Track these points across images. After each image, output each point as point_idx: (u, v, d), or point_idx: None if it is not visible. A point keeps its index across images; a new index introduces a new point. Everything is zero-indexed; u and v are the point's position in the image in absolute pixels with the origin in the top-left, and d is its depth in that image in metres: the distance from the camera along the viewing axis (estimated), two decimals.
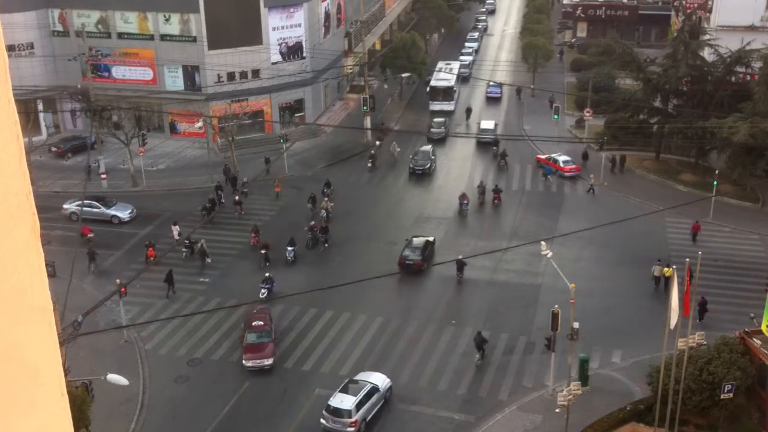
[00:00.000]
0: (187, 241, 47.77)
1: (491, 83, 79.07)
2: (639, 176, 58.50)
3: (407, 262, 45.48)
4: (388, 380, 35.43)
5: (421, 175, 58.74)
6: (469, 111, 72.80)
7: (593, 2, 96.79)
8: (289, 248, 46.20)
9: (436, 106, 73.36)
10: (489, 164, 62.34)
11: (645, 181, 58.28)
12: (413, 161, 59.28)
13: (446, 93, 73.62)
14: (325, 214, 50.79)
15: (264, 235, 48.52)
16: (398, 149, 62.44)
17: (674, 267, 30.28)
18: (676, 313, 28.22)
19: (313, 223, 48.76)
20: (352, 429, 32.58)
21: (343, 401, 33.04)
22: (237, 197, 52.87)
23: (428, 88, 74.65)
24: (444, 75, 75.68)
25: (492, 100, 77.71)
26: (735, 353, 32.47)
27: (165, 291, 43.69)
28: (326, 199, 52.30)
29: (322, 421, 33.09)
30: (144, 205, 54.41)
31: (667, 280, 40.96)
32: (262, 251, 46.27)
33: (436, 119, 68.45)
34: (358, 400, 33.01)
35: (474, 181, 59.14)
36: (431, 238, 47.99)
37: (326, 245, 48.33)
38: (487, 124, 67.53)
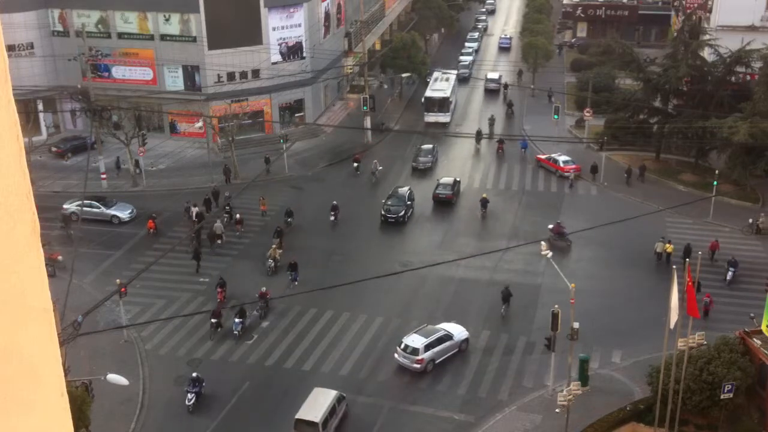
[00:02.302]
0: (227, 207, 52.02)
1: (502, 36, 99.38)
2: (639, 176, 58.39)
3: (440, 196, 54.75)
4: (466, 333, 38.49)
5: (394, 224, 51.21)
6: (492, 121, 67.88)
7: (593, 2, 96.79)
8: (237, 320, 39.46)
9: (431, 117, 69.98)
10: (497, 113, 72.23)
11: (645, 181, 58.21)
12: (385, 207, 51.69)
13: (442, 104, 70.06)
14: (272, 264, 45.09)
15: (235, 273, 45.26)
16: (380, 168, 58.89)
17: (675, 267, 30.28)
18: (676, 313, 28.23)
19: (264, 289, 41.42)
20: (418, 365, 36.40)
21: (414, 341, 36.78)
22: (238, 215, 50.63)
23: (423, 99, 71.46)
24: (440, 85, 72.37)
25: (503, 49, 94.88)
26: (735, 353, 32.49)
27: (194, 268, 45.98)
28: (274, 246, 45.99)
29: (395, 355, 37.06)
30: (144, 205, 54.39)
31: (669, 256, 45.48)
32: (213, 320, 39.83)
33: (424, 146, 62.16)
34: (427, 342, 36.65)
35: (474, 181, 59.25)
36: (458, 178, 56.88)
37: (296, 283, 43.87)
38: (494, 74, 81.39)
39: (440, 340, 37.33)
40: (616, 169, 59.13)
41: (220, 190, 54.75)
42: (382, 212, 51.24)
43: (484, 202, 52.94)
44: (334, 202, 51.73)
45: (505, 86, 77.92)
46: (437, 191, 55.10)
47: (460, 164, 62.67)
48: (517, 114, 73.18)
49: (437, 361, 37.03)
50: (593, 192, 56.82)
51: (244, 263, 46.99)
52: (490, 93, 79.29)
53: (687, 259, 32.93)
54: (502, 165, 61.74)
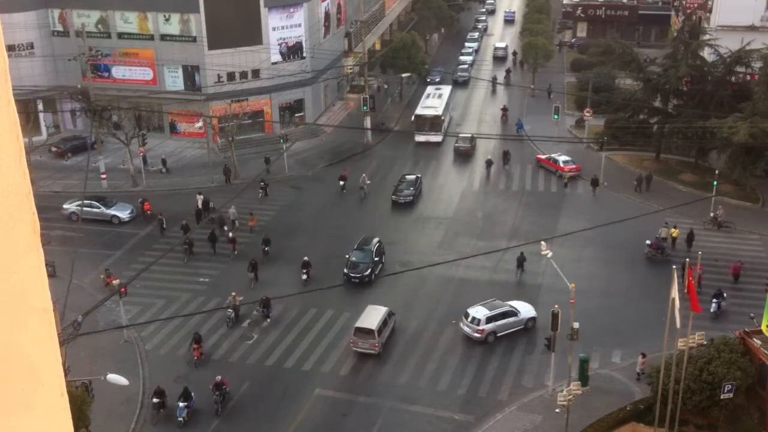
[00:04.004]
0: (262, 182, 55.01)
1: (507, 10, 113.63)
2: (646, 185, 58.16)
3: (460, 149, 62.61)
4: (533, 312, 39.92)
5: (359, 285, 44.37)
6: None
7: (593, 2, 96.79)
8: (182, 404, 33.82)
9: (421, 137, 65.01)
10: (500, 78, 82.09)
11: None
12: (349, 262, 44.81)
13: (433, 123, 65.03)
14: (232, 314, 40.64)
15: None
16: (368, 182, 55.84)
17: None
18: (678, 313, 28.21)
19: (219, 378, 34.90)
20: (478, 335, 38.92)
21: (478, 312, 39.22)
22: (231, 234, 48.12)
23: (413, 117, 66.65)
24: (432, 102, 67.20)
25: (508, 22, 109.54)
26: (735, 353, 32.49)
27: (209, 250, 47.87)
28: (234, 294, 41.21)
29: (460, 324, 39.62)
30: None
31: (674, 241, 47.37)
32: (154, 399, 34.30)
33: (407, 176, 56.33)
34: (490, 315, 39.03)
35: (474, 182, 59.28)
36: (474, 134, 63.74)
37: (268, 320, 40.93)
38: (501, 44, 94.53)
39: (504, 315, 39.29)
40: (615, 169, 59.11)
41: (210, 200, 52.78)
42: (345, 270, 44.51)
43: (489, 163, 59.09)
44: (306, 258, 44.74)
45: (514, 53, 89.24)
46: (457, 144, 63.01)
47: (460, 164, 62.62)
48: (516, 106, 73.20)
49: (499, 335, 38.94)
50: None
51: (243, 263, 46.77)
52: (498, 60, 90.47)
53: (687, 259, 32.95)
54: (502, 165, 61.64)
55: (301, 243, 49.15)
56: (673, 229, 47.82)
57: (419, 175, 57.32)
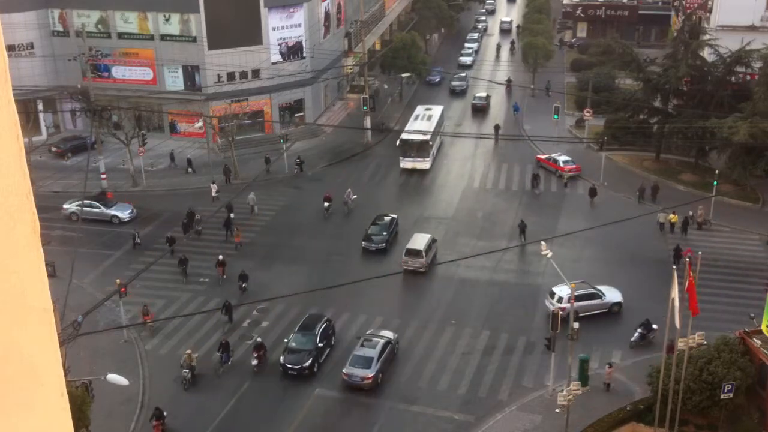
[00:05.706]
0: (298, 159, 58.93)
1: None
2: (639, 176, 58.32)
3: (477, 105, 73.20)
4: (620, 298, 41.18)
5: (297, 377, 36.74)
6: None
7: (593, 2, 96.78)
8: None
9: (408, 163, 59.98)
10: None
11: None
12: (288, 346, 37.39)
13: (420, 148, 59.75)
14: (188, 374, 36.15)
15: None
16: (354, 197, 53.37)
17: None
18: (678, 312, 28.22)
19: None
20: (561, 312, 37.91)
21: (562, 291, 40.02)
22: (221, 257, 44.95)
23: (398, 141, 60.44)
24: (420, 124, 61.68)
25: (510, 1, 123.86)
26: (735, 353, 32.49)
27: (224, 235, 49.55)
28: (189, 351, 36.83)
29: (546, 302, 41.05)
30: (144, 205, 54.41)
31: (673, 226, 49.30)
32: None
33: (384, 218, 50.33)
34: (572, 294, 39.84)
35: (474, 181, 59.29)
36: (489, 94, 74.66)
37: (228, 364, 37.45)
38: (506, 18, 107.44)
39: (588, 297, 39.97)
40: (616, 169, 59.11)
41: (196, 211, 51.24)
42: (281, 359, 37.10)
43: (497, 128, 65.16)
44: (259, 340, 38.50)
45: (518, 27, 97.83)
46: (474, 102, 73.70)
47: (461, 164, 62.59)
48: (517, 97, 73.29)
49: (581, 315, 38.43)
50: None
51: (242, 263, 46.80)
52: (504, 32, 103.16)
53: (688, 259, 32.91)
54: (501, 165, 61.69)
55: (301, 243, 49.26)
56: (671, 215, 49.04)
57: (395, 216, 50.91)
